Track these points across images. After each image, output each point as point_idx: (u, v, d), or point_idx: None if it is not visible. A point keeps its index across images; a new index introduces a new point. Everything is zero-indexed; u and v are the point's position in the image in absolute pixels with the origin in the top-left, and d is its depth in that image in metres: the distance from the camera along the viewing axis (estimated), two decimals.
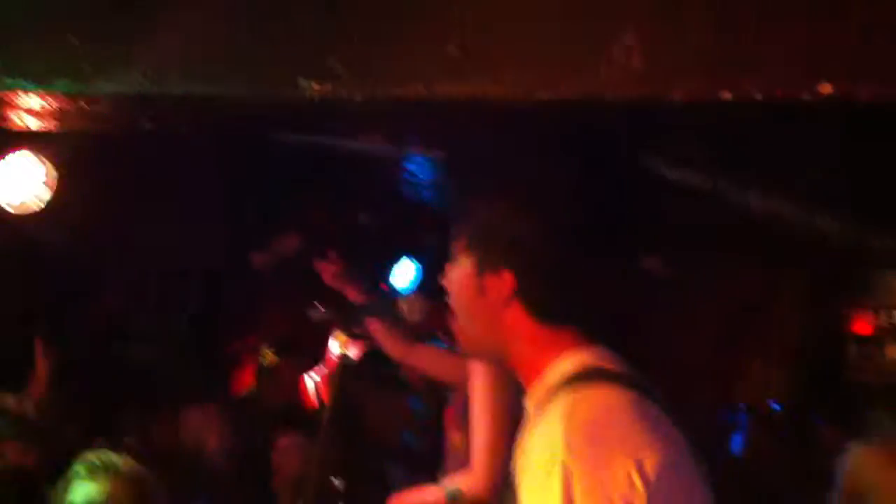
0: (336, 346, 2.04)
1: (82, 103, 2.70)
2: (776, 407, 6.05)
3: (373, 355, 6.08)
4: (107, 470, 2.72)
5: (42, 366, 4.06)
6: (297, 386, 5.31)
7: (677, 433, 1.58)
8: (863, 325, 6.76)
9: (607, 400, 1.56)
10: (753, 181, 4.28)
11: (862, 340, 6.74)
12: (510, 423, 3.09)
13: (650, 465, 1.46)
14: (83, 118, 2.82)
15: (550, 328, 1.67)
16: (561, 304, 1.68)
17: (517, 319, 1.68)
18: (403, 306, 2.09)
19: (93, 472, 2.72)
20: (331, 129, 3.05)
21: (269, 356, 2.09)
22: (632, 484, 1.44)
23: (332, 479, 3.54)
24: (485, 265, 1.70)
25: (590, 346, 1.67)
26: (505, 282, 1.67)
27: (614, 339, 1.72)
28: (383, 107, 2.29)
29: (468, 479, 3.16)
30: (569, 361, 1.64)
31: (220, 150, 3.66)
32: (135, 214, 4.34)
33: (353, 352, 6.82)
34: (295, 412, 4.95)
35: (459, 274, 1.75)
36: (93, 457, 2.77)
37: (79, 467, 2.75)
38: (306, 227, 4.92)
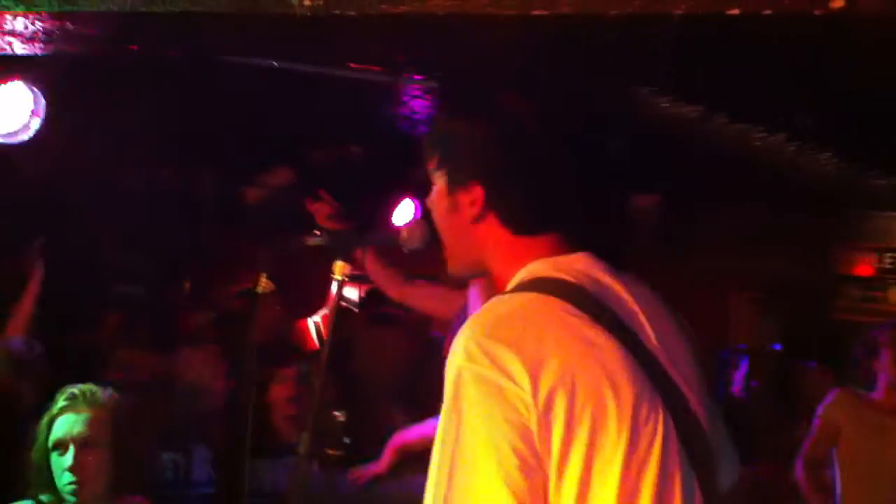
0: (335, 274, 1.99)
1: (67, 23, 2.62)
2: (776, 347, 6.03)
3: (373, 294, 6.06)
4: (86, 400, 2.69)
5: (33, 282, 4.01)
6: (290, 319, 5.28)
7: (613, 349, 1.45)
8: (865, 268, 6.73)
9: (519, 304, 1.50)
10: (754, 116, 4.21)
11: (864, 282, 6.72)
12: None
13: (546, 369, 1.39)
14: (68, 40, 2.74)
15: (527, 238, 1.62)
16: (533, 212, 1.62)
17: (493, 233, 1.63)
18: (403, 234, 2.03)
19: (73, 402, 2.69)
20: (323, 52, 2.96)
21: (263, 282, 2.04)
22: (518, 383, 1.38)
23: (334, 412, 3.52)
24: (454, 181, 1.64)
25: (561, 255, 1.60)
26: (475, 195, 1.62)
27: (607, 252, 1.65)
28: (376, 24, 2.20)
29: None
30: (524, 271, 1.59)
31: (209, 80, 3.57)
32: (121, 146, 4.26)
33: (354, 291, 6.80)
34: (290, 348, 4.92)
35: (435, 194, 1.70)
36: (73, 388, 2.74)
37: (59, 399, 2.72)
38: (298, 159, 4.85)
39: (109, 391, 2.77)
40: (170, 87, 3.67)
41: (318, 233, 1.97)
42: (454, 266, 1.75)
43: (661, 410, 1.47)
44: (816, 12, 1.91)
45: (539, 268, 1.58)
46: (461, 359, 1.43)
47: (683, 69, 2.90)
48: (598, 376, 1.43)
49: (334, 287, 2.15)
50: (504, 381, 1.40)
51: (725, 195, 6.10)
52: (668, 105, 3.84)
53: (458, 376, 1.42)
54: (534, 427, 1.38)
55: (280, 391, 4.03)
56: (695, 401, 1.54)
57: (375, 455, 3.44)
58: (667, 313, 1.61)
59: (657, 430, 1.45)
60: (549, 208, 1.64)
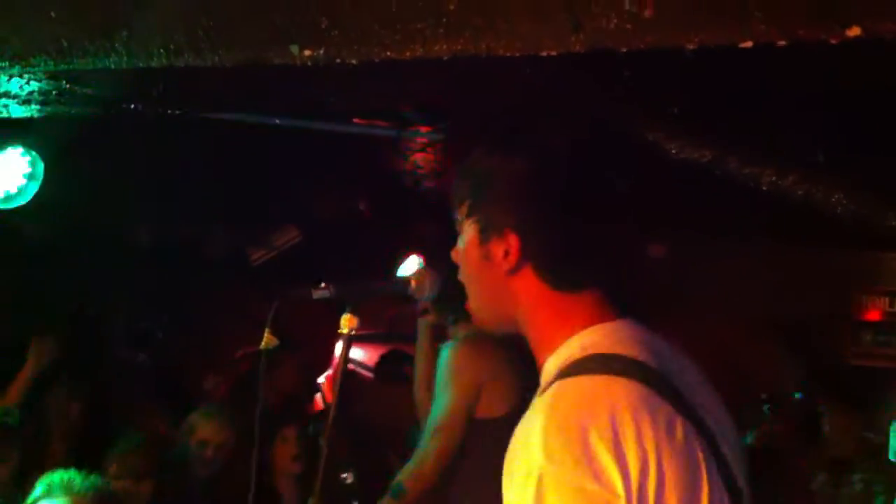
0: (342, 328, 1.91)
1: (64, 83, 2.59)
2: (798, 396, 5.93)
3: (391, 356, 5.97)
4: (63, 488, 2.66)
5: (30, 366, 3.99)
6: (297, 377, 5.19)
7: (685, 429, 1.36)
8: (875, 312, 6.63)
9: (595, 388, 1.36)
10: (762, 157, 4.15)
11: (876, 326, 6.61)
12: (467, 422, 3.04)
13: (635, 468, 1.28)
14: (66, 100, 2.71)
15: (567, 295, 1.49)
16: (574, 266, 1.49)
17: (529, 286, 1.50)
18: (413, 283, 1.95)
19: (48, 491, 2.66)
20: (327, 106, 2.92)
21: (267, 337, 1.96)
22: (611, 487, 1.27)
23: (342, 474, 3.43)
24: (488, 228, 1.53)
25: (609, 322, 1.48)
26: (510, 244, 1.50)
27: (640, 309, 1.55)
28: (379, 71, 2.15)
29: (410, 469, 3.14)
30: (575, 343, 1.46)
31: (213, 136, 3.53)
32: (126, 206, 4.22)
33: (360, 352, 6.72)
34: (295, 406, 4.84)
35: (464, 242, 1.59)
36: (52, 475, 2.71)
37: (37, 486, 2.70)
38: (304, 217, 4.80)
39: (93, 478, 2.73)
40: (173, 144, 3.63)
41: (324, 285, 1.88)
42: (481, 319, 1.63)
43: (722, 484, 1.39)
44: (832, 41, 1.85)
45: (596, 340, 1.45)
46: (541, 459, 1.28)
47: (695, 109, 2.85)
48: (686, 475, 1.34)
49: (340, 343, 2.09)
50: (594, 486, 1.27)
51: (739, 238, 6.04)
52: (678, 149, 3.79)
53: (541, 480, 1.28)
54: None
55: (283, 451, 3.99)
56: (741, 478, 1.45)
57: None
58: (701, 374, 1.52)
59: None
60: (590, 261, 1.51)
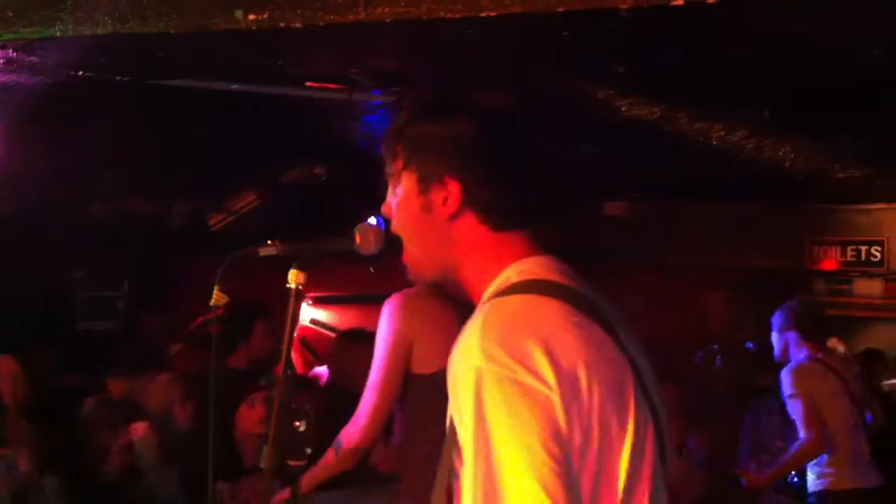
0: (290, 283, 1.93)
1: (10, 51, 2.59)
2: (749, 346, 6.05)
3: None
4: None
5: None
6: (268, 343, 5.20)
7: (613, 350, 1.47)
8: (830, 262, 6.77)
9: (527, 303, 1.46)
10: (714, 114, 4.21)
11: (830, 276, 6.76)
12: (401, 376, 3.06)
13: (566, 368, 1.38)
14: (14, 69, 2.71)
15: (503, 234, 1.56)
16: (513, 205, 1.56)
17: (470, 231, 1.56)
18: (357, 239, 1.97)
19: None
20: (276, 71, 2.93)
21: (217, 295, 1.97)
22: (544, 380, 1.35)
23: (295, 422, 3.47)
24: (427, 178, 1.56)
25: (537, 256, 1.56)
26: (451, 191, 1.55)
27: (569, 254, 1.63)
28: (323, 34, 2.18)
29: (349, 429, 3.16)
30: (511, 271, 1.54)
31: (169, 105, 3.52)
32: (81, 177, 4.20)
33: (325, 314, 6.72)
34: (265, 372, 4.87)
35: (402, 195, 1.60)
36: None
37: None
38: (262, 182, 4.79)
39: None
40: (128, 113, 3.62)
41: (271, 242, 1.91)
42: (423, 270, 1.66)
43: (645, 402, 1.48)
44: None
45: (529, 268, 1.54)
46: (479, 360, 1.38)
47: (638, 67, 2.90)
48: (609, 370, 1.44)
49: (290, 286, 2.08)
50: (529, 379, 1.36)
51: (693, 194, 6.14)
52: (627, 107, 3.84)
53: (479, 378, 1.37)
54: (561, 422, 1.36)
55: (250, 414, 3.99)
56: (658, 401, 1.54)
57: None
58: (622, 317, 1.60)
59: (649, 423, 1.48)
60: (526, 201, 1.58)
